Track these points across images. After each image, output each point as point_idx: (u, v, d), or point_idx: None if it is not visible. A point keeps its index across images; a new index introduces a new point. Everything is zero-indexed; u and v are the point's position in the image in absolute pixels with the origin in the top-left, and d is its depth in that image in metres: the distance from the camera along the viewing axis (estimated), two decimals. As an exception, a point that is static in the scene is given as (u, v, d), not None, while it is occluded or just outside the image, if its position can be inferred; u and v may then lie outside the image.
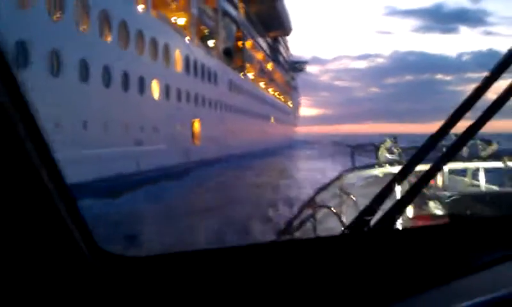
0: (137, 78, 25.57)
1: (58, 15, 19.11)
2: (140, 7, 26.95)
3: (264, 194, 20.12)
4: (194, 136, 35.91)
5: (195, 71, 35.78)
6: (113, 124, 22.63)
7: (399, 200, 1.33)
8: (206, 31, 42.78)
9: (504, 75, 1.32)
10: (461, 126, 1.34)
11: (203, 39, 43.10)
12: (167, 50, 29.87)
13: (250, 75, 61.76)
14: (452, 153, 1.37)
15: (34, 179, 0.87)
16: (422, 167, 1.38)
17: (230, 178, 26.91)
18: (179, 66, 32.35)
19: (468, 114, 1.34)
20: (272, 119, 73.40)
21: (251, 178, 26.97)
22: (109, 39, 22.59)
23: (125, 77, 24.04)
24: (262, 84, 69.29)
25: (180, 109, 32.34)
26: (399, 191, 1.49)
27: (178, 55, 32.04)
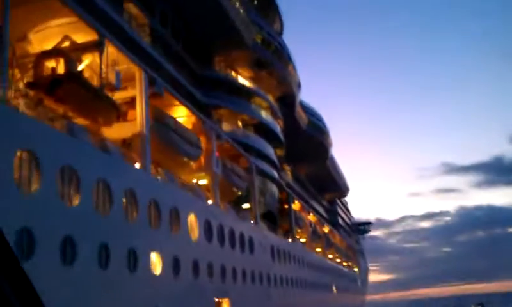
0: (126, 251, 19.91)
1: None
2: (136, 165, 22.61)
3: None
4: (222, 320, 28.73)
5: (221, 239, 29.92)
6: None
7: None
8: (239, 193, 38.12)
9: None
10: None
11: (237, 201, 38.26)
12: (175, 215, 24.57)
13: (301, 240, 55.10)
14: None
15: None
16: None
17: None
18: (195, 233, 26.70)
19: None
20: (334, 289, 64.11)
21: None
22: (77, 200, 17.54)
23: (103, 249, 18.43)
24: (318, 250, 61.96)
25: (198, 285, 25.87)
26: None
27: (193, 221, 26.60)
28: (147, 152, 23.22)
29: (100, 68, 20.28)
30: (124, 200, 20.58)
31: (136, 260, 20.52)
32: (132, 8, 28.74)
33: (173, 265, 23.65)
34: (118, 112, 22.09)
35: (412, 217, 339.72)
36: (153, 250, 22.08)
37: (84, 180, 17.81)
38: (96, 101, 20.17)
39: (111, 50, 21.95)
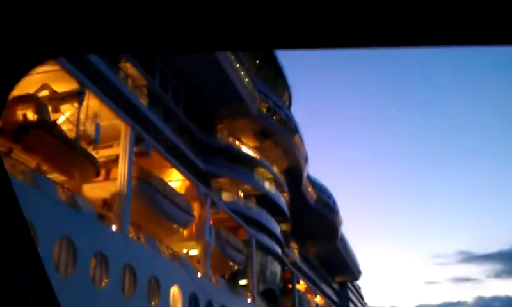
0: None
1: None
2: (113, 227, 20.77)
3: None
4: None
5: (209, 316, 27.24)
6: None
7: None
8: (236, 267, 35.58)
9: None
10: None
11: (233, 276, 35.71)
12: (155, 284, 22.31)
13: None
14: None
15: None
16: None
17: None
18: (178, 306, 24.20)
19: None
20: None
21: None
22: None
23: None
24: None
25: None
26: None
27: (176, 293, 24.23)
28: (126, 212, 21.43)
29: (78, 119, 19.08)
30: (93, 263, 18.61)
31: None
32: (129, 68, 28.16)
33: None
34: (97, 168, 20.58)
35: (428, 306, 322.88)
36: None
37: (43, 237, 15.93)
38: (71, 153, 18.73)
39: (94, 103, 20.88)
